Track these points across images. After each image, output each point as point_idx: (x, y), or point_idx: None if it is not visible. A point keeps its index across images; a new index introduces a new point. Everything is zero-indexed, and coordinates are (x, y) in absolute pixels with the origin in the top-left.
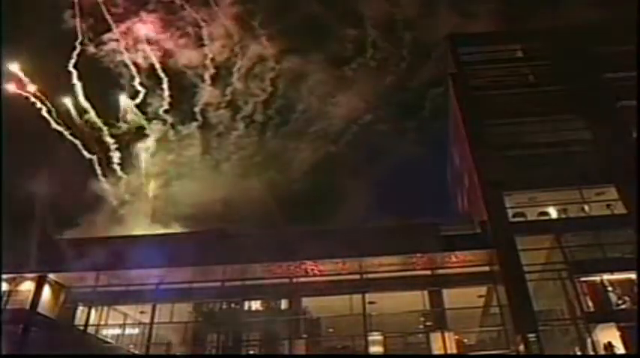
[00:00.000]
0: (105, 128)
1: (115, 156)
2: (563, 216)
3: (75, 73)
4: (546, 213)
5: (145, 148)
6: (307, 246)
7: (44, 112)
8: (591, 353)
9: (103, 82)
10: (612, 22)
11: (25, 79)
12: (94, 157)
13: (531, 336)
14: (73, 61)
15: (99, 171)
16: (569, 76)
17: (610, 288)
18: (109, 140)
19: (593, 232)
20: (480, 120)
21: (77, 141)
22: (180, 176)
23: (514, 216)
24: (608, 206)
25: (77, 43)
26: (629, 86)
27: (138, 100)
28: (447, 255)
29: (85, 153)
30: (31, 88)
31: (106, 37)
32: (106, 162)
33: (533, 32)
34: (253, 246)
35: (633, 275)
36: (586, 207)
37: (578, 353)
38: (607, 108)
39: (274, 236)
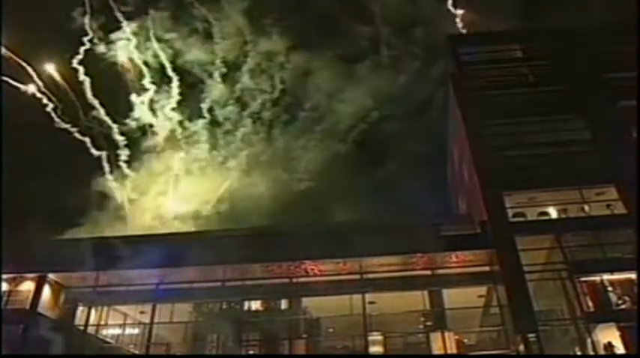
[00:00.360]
0: (115, 126)
1: (123, 154)
2: (563, 216)
3: (82, 70)
4: (546, 213)
5: (152, 145)
6: (307, 246)
7: (51, 110)
8: (591, 353)
9: (113, 80)
10: (612, 22)
11: (32, 76)
12: (103, 154)
13: (531, 336)
14: (80, 58)
15: (107, 168)
16: (569, 76)
17: (610, 288)
18: (118, 137)
19: (593, 232)
20: (480, 120)
21: (85, 139)
22: (187, 173)
23: (514, 216)
24: (608, 206)
25: (86, 40)
26: (629, 86)
27: (146, 98)
28: (447, 255)
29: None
30: (35, 86)
31: (115, 36)
32: (114, 160)
33: (533, 32)
34: (254, 245)
35: (633, 275)
36: (586, 207)
37: (578, 353)
38: (607, 108)
39: (275, 235)
